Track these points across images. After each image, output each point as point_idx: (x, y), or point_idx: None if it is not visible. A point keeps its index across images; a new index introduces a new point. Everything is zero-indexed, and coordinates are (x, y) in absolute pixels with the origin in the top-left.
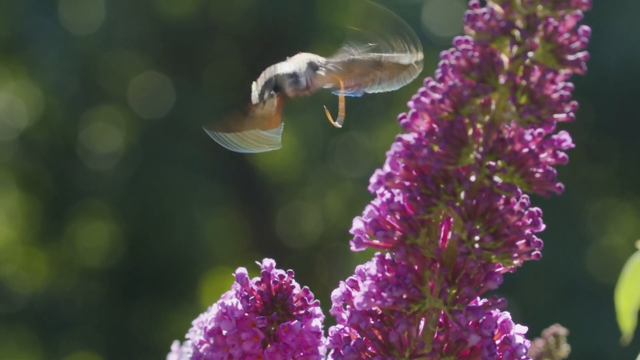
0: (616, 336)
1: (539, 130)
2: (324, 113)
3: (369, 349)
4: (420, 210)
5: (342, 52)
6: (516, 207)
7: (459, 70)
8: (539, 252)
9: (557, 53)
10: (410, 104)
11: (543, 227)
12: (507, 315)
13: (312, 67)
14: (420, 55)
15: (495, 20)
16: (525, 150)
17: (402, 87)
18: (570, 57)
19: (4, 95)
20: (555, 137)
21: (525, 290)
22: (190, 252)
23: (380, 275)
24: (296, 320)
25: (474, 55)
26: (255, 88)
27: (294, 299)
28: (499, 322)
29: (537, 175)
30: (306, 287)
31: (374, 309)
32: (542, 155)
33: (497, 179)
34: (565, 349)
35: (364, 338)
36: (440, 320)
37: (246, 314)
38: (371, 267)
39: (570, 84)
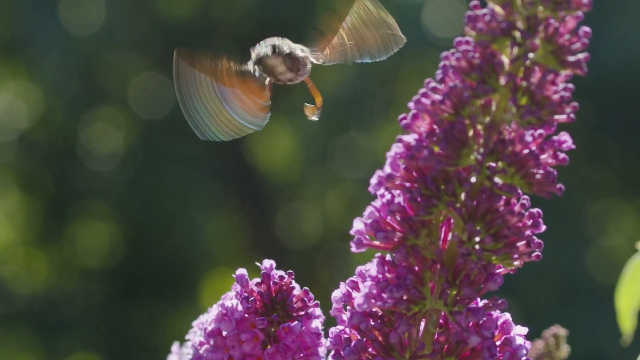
0: (616, 337)
1: (540, 131)
2: (324, 113)
3: (370, 350)
4: (421, 211)
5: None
6: (517, 208)
7: (460, 71)
8: (539, 253)
9: (558, 54)
10: (411, 104)
11: (543, 228)
12: (507, 316)
13: (304, 51)
14: (404, 38)
15: (496, 21)
16: (526, 151)
17: (402, 89)
18: (571, 58)
19: (4, 96)
20: (555, 138)
21: (525, 290)
22: (190, 252)
23: (380, 276)
24: (296, 322)
25: (474, 56)
26: (254, 53)
27: (294, 300)
28: (499, 323)
29: (538, 176)
30: (306, 288)
31: (374, 310)
32: (543, 157)
33: (497, 180)
34: (565, 349)
35: (365, 339)
36: (441, 321)
37: (246, 315)
38: (371, 268)
39: (570, 85)
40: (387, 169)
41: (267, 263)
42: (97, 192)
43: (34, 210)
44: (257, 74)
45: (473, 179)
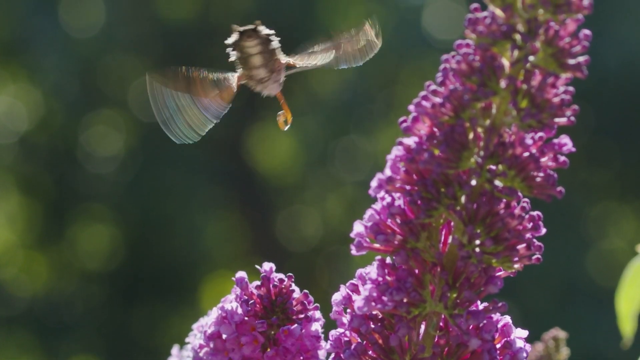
0: (616, 339)
1: (540, 134)
2: (324, 116)
3: (370, 352)
4: (421, 214)
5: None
6: (517, 211)
7: (460, 74)
8: (539, 256)
9: (558, 57)
10: (411, 107)
11: (544, 231)
12: (507, 319)
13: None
14: (375, 34)
15: (497, 24)
16: (526, 154)
17: (402, 91)
18: (571, 61)
19: (4, 99)
20: (556, 141)
21: (525, 293)
22: (190, 255)
23: (380, 279)
24: (296, 324)
25: (474, 59)
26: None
27: (294, 302)
28: (499, 326)
29: (538, 179)
30: (306, 291)
31: (374, 312)
32: (543, 159)
33: (497, 182)
34: (565, 352)
35: (365, 342)
36: (441, 324)
37: (246, 318)
38: (372, 271)
39: (571, 88)
40: (388, 171)
41: (267, 266)
42: (97, 195)
43: (34, 212)
44: (230, 76)
45: (473, 182)
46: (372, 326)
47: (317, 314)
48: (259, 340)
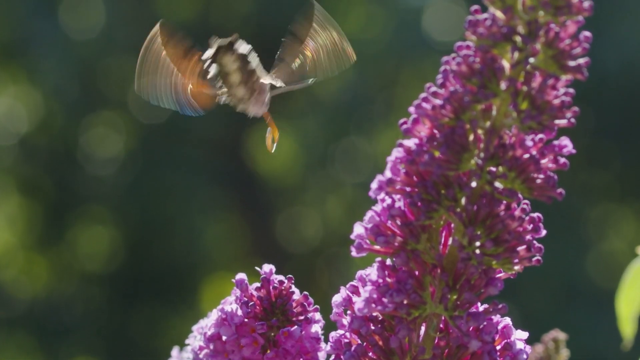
0: (616, 341)
1: (540, 135)
2: (324, 117)
3: (370, 354)
4: (421, 216)
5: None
6: (517, 212)
7: (460, 76)
8: (539, 257)
9: (559, 59)
10: (411, 109)
11: (544, 232)
12: (507, 320)
13: (266, 78)
14: (354, 57)
15: (497, 26)
16: (526, 156)
17: (402, 93)
18: (572, 63)
19: (4, 100)
20: (556, 142)
21: (525, 295)
22: (190, 257)
23: (381, 280)
24: (296, 326)
25: (475, 61)
26: (208, 55)
27: (294, 304)
28: (499, 327)
29: (538, 181)
30: (306, 292)
31: (374, 314)
32: (543, 161)
33: (498, 184)
34: (565, 354)
35: (365, 344)
36: (441, 325)
37: (246, 320)
38: (372, 272)
39: (571, 90)
40: (388, 173)
41: (267, 268)
42: (97, 197)
43: (34, 214)
44: (214, 79)
45: (473, 184)
46: (373, 328)
47: (317, 315)
48: (258, 342)
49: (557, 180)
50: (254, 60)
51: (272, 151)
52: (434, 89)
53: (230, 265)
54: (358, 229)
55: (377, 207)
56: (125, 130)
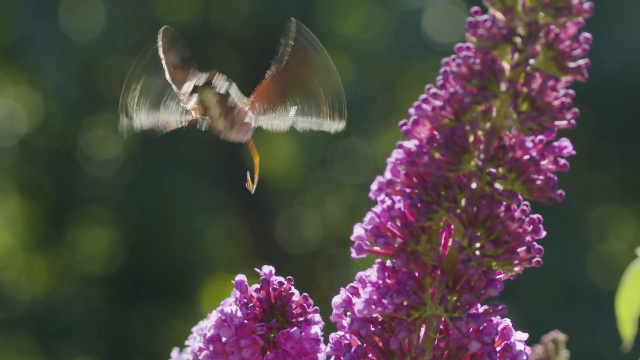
0: (616, 342)
1: (540, 137)
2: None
3: (370, 355)
4: (421, 217)
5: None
6: (517, 214)
7: (460, 77)
8: (539, 259)
9: (559, 60)
10: (411, 110)
11: (544, 234)
12: (507, 322)
13: (247, 111)
14: (342, 125)
15: (497, 27)
16: (526, 157)
17: (402, 94)
18: (572, 64)
19: (4, 101)
20: (556, 144)
21: (525, 296)
22: (190, 258)
23: (380, 282)
24: (295, 327)
25: (475, 62)
26: (188, 88)
27: (293, 306)
28: (499, 329)
29: (538, 182)
30: (305, 294)
31: (374, 315)
32: (543, 162)
33: (498, 185)
34: (564, 355)
35: (365, 345)
36: (441, 327)
37: (245, 321)
38: (372, 274)
39: (571, 91)
40: (388, 174)
41: (267, 269)
42: (97, 198)
43: (33, 215)
44: (194, 108)
45: (473, 185)
46: (372, 329)
47: (317, 317)
48: (258, 343)
49: (557, 181)
50: (235, 94)
51: (252, 192)
52: (434, 90)
53: (230, 267)
54: (358, 230)
55: (377, 209)
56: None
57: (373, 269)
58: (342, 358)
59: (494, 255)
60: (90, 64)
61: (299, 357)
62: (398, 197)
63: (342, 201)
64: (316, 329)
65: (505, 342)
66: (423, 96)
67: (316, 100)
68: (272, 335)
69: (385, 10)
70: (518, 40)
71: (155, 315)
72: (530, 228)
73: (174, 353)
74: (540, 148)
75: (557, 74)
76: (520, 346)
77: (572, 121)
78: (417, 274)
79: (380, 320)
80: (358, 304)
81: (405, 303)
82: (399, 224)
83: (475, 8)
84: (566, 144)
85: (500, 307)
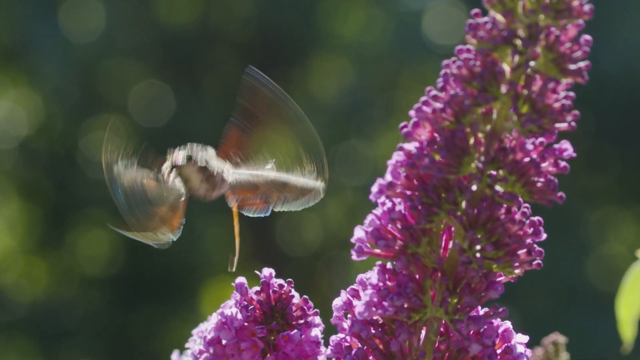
0: (616, 344)
1: (541, 139)
2: (324, 121)
3: (371, 358)
4: (422, 220)
5: (251, 167)
6: (517, 216)
7: (461, 80)
8: (540, 261)
9: (559, 62)
10: (412, 113)
11: (544, 236)
12: (508, 324)
13: (224, 170)
14: (323, 185)
15: (497, 29)
16: (527, 159)
17: (402, 96)
18: (572, 67)
19: (4, 104)
20: (556, 146)
21: (525, 298)
22: (190, 260)
23: (381, 284)
24: (295, 330)
25: (475, 64)
26: (167, 167)
27: (294, 308)
28: (500, 331)
29: (539, 184)
30: (305, 296)
31: (375, 318)
32: (544, 165)
33: (498, 188)
34: (564, 357)
35: (365, 347)
36: (442, 329)
37: (246, 324)
38: (372, 276)
39: (571, 93)
40: (388, 177)
41: (267, 271)
42: (97, 200)
43: (34, 218)
44: (172, 180)
45: (474, 187)
46: (373, 331)
47: (317, 319)
48: (258, 345)
49: (558, 183)
50: (213, 163)
51: (233, 270)
52: (434, 92)
53: None
54: (358, 232)
55: (378, 211)
56: (125, 134)
57: (373, 272)
58: None
59: (494, 258)
60: (91, 65)
61: (299, 359)
62: (398, 200)
63: (342, 203)
64: (316, 332)
65: (506, 344)
66: (423, 98)
67: (293, 150)
68: (272, 338)
69: (385, 12)
70: (518, 42)
71: (155, 317)
72: (530, 230)
73: (174, 355)
74: (541, 150)
75: (558, 76)
76: (520, 348)
77: (573, 123)
78: (417, 276)
79: (380, 322)
80: (359, 306)
81: (405, 305)
82: (399, 226)
83: (475, 10)
84: (567, 146)
85: (500, 310)
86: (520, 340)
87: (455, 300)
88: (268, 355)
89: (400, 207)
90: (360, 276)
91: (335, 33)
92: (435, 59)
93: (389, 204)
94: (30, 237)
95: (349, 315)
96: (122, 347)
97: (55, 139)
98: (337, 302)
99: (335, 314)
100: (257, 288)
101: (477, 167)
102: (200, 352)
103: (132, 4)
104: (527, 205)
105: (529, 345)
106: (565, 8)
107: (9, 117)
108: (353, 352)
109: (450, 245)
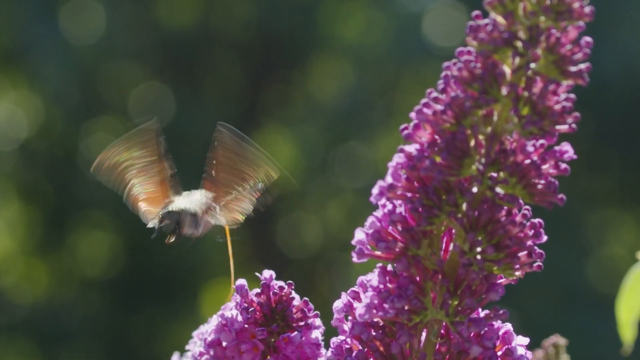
0: (616, 346)
1: (541, 141)
2: (324, 123)
3: None
4: (422, 222)
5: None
6: (518, 218)
7: (461, 81)
8: (540, 263)
9: (560, 64)
10: (412, 114)
11: (545, 238)
12: (508, 326)
13: (209, 209)
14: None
15: (498, 31)
16: (527, 161)
17: (402, 98)
18: (573, 69)
19: (4, 106)
20: (557, 148)
21: (526, 300)
22: (190, 262)
23: (382, 286)
24: (296, 332)
25: (476, 66)
26: (157, 218)
27: (294, 310)
28: (500, 333)
29: (539, 186)
30: (306, 298)
31: (375, 320)
32: (544, 167)
33: (499, 190)
34: (565, 359)
35: (366, 349)
36: (442, 331)
37: (246, 326)
38: (373, 278)
39: (572, 95)
40: (389, 179)
41: (267, 273)
42: (98, 202)
43: (34, 220)
44: (164, 224)
45: (474, 189)
46: (374, 333)
47: (317, 321)
48: (259, 347)
49: (558, 185)
50: (201, 201)
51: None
52: (435, 94)
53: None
54: (359, 234)
55: (378, 213)
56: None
57: (374, 274)
58: None
59: (495, 260)
60: (91, 68)
61: None
62: (399, 202)
63: (342, 205)
64: (317, 334)
65: (507, 346)
66: (424, 100)
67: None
68: (272, 340)
69: (385, 13)
70: (519, 44)
71: (155, 319)
72: (531, 232)
73: (175, 357)
74: (541, 152)
75: (558, 78)
76: (521, 351)
77: (574, 125)
78: (418, 278)
79: (381, 324)
80: (359, 308)
81: (406, 307)
82: (400, 228)
83: (476, 12)
84: (567, 148)
85: (501, 312)
86: (520, 342)
87: (455, 303)
88: (268, 357)
89: (400, 209)
90: (360, 278)
91: (336, 35)
92: (436, 61)
93: (389, 206)
94: (30, 239)
95: (349, 317)
96: (122, 349)
97: (55, 141)
98: (338, 304)
99: (335, 316)
100: (258, 290)
101: (477, 169)
102: (201, 354)
103: (132, 6)
104: (527, 207)
105: (529, 347)
106: (566, 10)
107: (9, 119)
108: (354, 354)
109: (451, 247)
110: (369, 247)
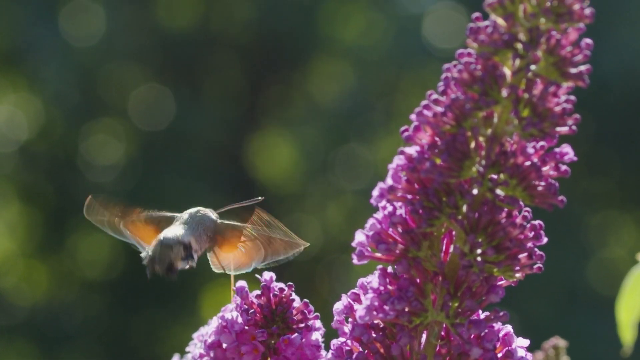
0: (616, 348)
1: (541, 143)
2: (324, 124)
3: None
4: (423, 223)
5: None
6: (518, 220)
7: (462, 83)
8: (540, 265)
9: (560, 66)
10: (413, 116)
11: (545, 240)
12: (509, 328)
13: (207, 232)
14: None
15: (498, 33)
16: (528, 163)
17: (402, 100)
18: (573, 70)
19: (4, 107)
20: (557, 150)
21: (526, 301)
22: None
23: (382, 288)
24: (296, 334)
25: (476, 68)
26: (146, 262)
27: (294, 312)
28: (501, 335)
29: (540, 188)
30: (306, 300)
31: (376, 322)
32: (545, 169)
33: (499, 192)
34: None
35: (366, 351)
36: (443, 333)
37: (246, 327)
38: (373, 280)
39: (572, 97)
40: (389, 180)
41: (267, 275)
42: None
43: (34, 221)
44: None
45: (475, 191)
46: (374, 335)
47: (318, 323)
48: (259, 349)
49: (558, 187)
50: (195, 239)
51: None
52: (435, 96)
53: None
54: (359, 236)
55: (378, 215)
56: (126, 137)
57: (374, 275)
58: None
59: (495, 262)
60: (91, 69)
61: None
62: (399, 203)
63: (342, 207)
64: (317, 335)
65: (507, 348)
66: (424, 102)
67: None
68: (272, 342)
69: (386, 15)
70: (519, 46)
71: (155, 321)
72: (531, 234)
73: (175, 359)
74: (542, 154)
75: (559, 79)
76: (521, 352)
77: (574, 127)
78: (418, 280)
79: (381, 326)
80: (359, 310)
81: (406, 309)
82: (400, 230)
83: (476, 14)
84: (567, 150)
85: (501, 314)
86: (521, 344)
87: (456, 304)
88: (269, 359)
89: (401, 211)
90: (361, 280)
91: (336, 36)
92: (436, 63)
93: (389, 208)
94: (30, 241)
95: (349, 319)
96: (122, 351)
97: (55, 143)
98: (338, 305)
99: (336, 317)
100: (258, 292)
101: (478, 171)
102: (201, 356)
103: (132, 7)
104: (527, 209)
105: (529, 349)
106: (566, 12)
107: (9, 120)
108: (354, 355)
109: (451, 249)
110: (369, 248)
